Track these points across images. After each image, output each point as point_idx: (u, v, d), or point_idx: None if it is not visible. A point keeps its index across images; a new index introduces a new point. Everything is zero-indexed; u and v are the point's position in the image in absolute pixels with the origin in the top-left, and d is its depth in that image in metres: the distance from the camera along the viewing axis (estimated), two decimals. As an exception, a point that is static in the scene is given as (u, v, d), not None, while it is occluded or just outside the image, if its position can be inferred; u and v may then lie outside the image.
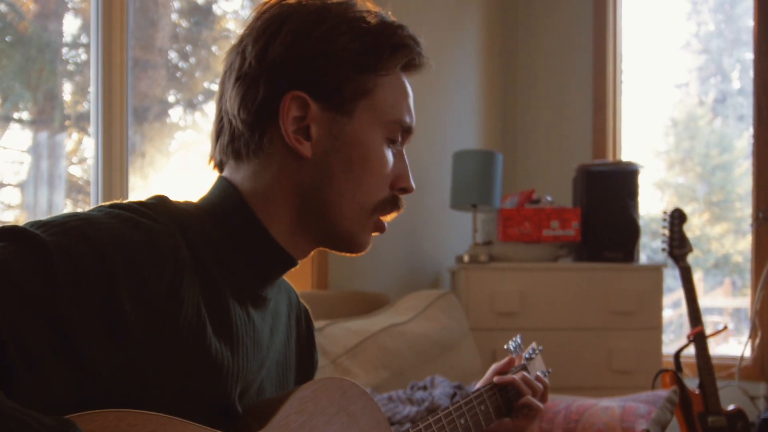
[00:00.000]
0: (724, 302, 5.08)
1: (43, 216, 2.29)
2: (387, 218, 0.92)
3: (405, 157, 0.93)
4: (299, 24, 0.85)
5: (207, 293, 0.80)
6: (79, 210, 0.79)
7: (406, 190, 0.92)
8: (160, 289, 0.73)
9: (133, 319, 0.71)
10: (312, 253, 0.95)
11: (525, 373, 1.18)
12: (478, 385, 1.16)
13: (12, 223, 0.72)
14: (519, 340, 1.24)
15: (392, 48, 0.87)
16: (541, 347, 1.27)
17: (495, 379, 1.15)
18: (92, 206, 2.35)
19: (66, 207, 2.41)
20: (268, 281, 0.89)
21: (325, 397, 0.87)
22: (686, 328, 4.94)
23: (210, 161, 0.93)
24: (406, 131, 0.92)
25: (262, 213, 0.87)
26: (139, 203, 0.80)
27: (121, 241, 0.72)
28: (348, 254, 0.92)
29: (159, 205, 0.82)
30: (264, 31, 0.86)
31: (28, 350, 0.64)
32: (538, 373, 1.24)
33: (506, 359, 1.21)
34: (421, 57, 0.91)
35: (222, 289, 0.82)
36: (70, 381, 0.68)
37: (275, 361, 0.95)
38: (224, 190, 0.88)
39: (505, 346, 1.22)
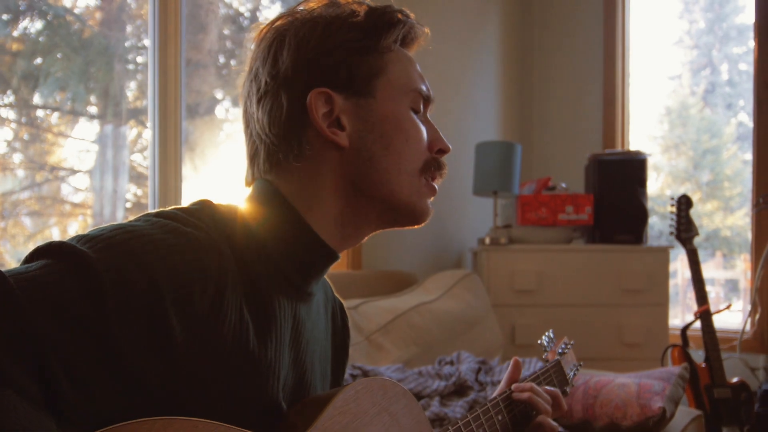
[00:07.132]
0: (716, 273, 4.98)
1: (108, 198, 2.31)
2: (436, 181, 0.87)
3: (432, 123, 0.89)
4: (297, 34, 0.82)
5: (250, 294, 0.74)
6: (125, 220, 0.72)
7: (443, 150, 0.87)
8: (204, 301, 0.68)
9: (179, 332, 0.65)
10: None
11: (533, 385, 1.05)
12: (496, 393, 1.05)
13: (59, 240, 0.66)
14: (551, 335, 1.14)
15: (386, 26, 0.84)
16: (572, 342, 1.16)
17: (514, 395, 1.04)
18: (150, 192, 2.34)
19: (128, 190, 2.46)
20: (313, 276, 0.83)
21: (367, 397, 0.79)
22: (674, 297, 4.84)
23: (248, 184, 0.87)
24: (426, 99, 0.88)
25: (306, 211, 0.81)
26: (184, 210, 0.74)
27: (167, 254, 0.66)
28: (411, 226, 0.87)
29: (203, 211, 0.76)
30: (268, 51, 0.83)
31: (76, 373, 0.59)
32: (568, 370, 1.14)
33: (511, 365, 1.10)
34: (415, 28, 0.87)
35: (267, 288, 0.76)
36: (117, 397, 0.62)
37: (317, 354, 0.88)
38: (267, 192, 0.82)
39: (539, 341, 1.12)
